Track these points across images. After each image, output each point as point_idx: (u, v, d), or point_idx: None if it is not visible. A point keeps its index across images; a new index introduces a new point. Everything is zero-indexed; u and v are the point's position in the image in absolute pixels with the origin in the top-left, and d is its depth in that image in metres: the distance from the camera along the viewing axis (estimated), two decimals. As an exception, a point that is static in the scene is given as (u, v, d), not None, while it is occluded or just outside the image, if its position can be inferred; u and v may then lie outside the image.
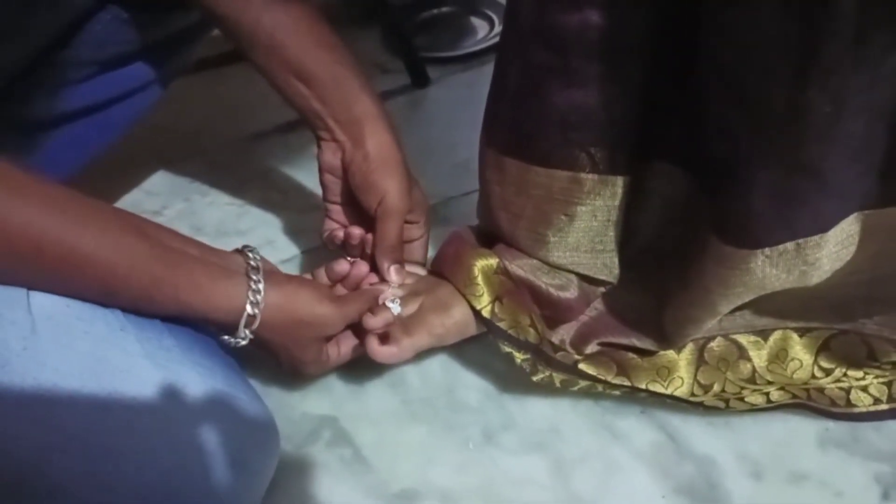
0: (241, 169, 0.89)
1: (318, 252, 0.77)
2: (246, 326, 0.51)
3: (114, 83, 0.67)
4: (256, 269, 0.52)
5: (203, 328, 0.54)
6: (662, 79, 0.49)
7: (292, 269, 0.76)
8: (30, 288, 0.46)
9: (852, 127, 0.42)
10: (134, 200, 0.86)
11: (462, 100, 0.97)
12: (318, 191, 0.82)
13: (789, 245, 0.47)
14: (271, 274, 0.54)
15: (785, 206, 0.45)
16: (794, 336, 0.60)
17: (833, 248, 0.48)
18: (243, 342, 0.52)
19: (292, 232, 0.80)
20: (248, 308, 0.51)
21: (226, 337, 0.53)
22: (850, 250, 0.49)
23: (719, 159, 0.47)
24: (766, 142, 0.43)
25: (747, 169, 0.45)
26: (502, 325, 0.57)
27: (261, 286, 0.51)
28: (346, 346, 0.59)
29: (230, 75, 1.00)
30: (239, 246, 0.56)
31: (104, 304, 0.48)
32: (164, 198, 0.86)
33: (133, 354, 0.47)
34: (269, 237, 0.80)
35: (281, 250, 0.78)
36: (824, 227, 0.47)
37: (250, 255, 0.54)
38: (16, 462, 0.43)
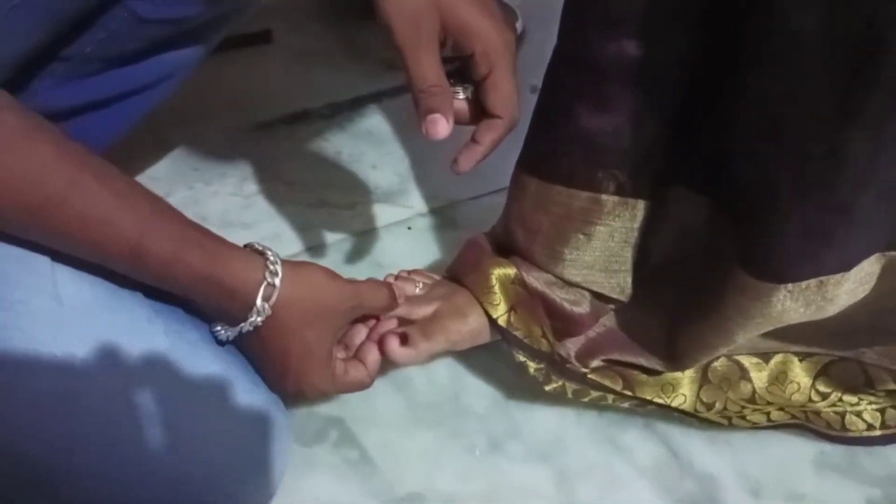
0: (245, 159, 0.88)
1: (326, 249, 0.77)
2: (265, 300, 0.48)
3: (125, 79, 0.65)
4: (269, 252, 0.51)
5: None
6: (693, 107, 0.50)
7: (298, 265, 0.76)
8: (61, 251, 0.45)
9: (887, 172, 0.44)
10: (135, 185, 0.85)
11: (469, 101, 0.97)
12: (325, 185, 0.81)
13: (812, 281, 0.48)
14: (283, 260, 0.53)
15: (813, 242, 0.47)
16: (795, 360, 0.62)
17: (851, 286, 0.50)
18: (259, 319, 0.49)
19: (299, 227, 0.80)
20: (268, 277, 0.48)
21: (226, 329, 0.51)
22: (867, 288, 0.51)
23: (749, 192, 0.48)
24: (801, 180, 0.45)
25: (779, 205, 0.46)
26: (518, 334, 0.57)
27: (278, 265, 0.49)
28: (353, 369, 0.56)
29: (234, 61, 0.99)
30: (241, 239, 0.53)
31: (132, 271, 0.47)
32: (166, 185, 0.85)
33: (159, 347, 0.47)
34: (274, 231, 0.80)
35: (287, 245, 0.77)
36: (847, 266, 0.48)
37: (258, 244, 0.52)
38: (39, 453, 0.43)
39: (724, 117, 0.49)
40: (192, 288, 0.48)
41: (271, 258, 0.50)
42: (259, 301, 0.48)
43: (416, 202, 0.83)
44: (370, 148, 0.89)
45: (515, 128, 0.54)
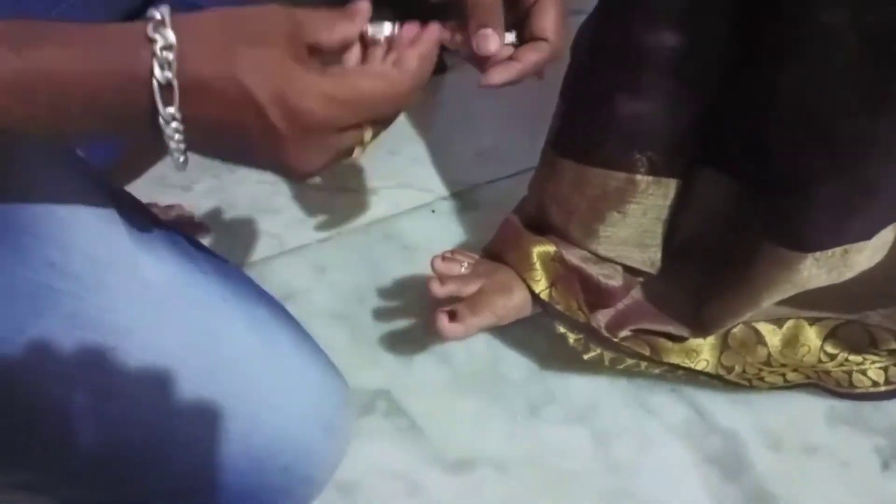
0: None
1: (352, 233, 0.80)
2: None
3: None
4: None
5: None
6: (727, 92, 0.55)
7: (329, 249, 0.79)
8: None
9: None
10: (160, 174, 0.86)
11: (479, 87, 1.01)
12: (347, 171, 0.84)
13: (837, 250, 0.53)
14: None
15: (840, 216, 0.52)
16: (806, 324, 0.67)
17: (870, 253, 0.55)
18: (169, 52, 0.37)
19: (325, 212, 0.83)
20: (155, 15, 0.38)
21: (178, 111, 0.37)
22: (881, 254, 0.57)
23: (781, 172, 0.53)
24: (832, 163, 0.50)
25: (811, 184, 0.51)
26: (559, 307, 0.62)
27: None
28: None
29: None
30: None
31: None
32: (191, 173, 0.85)
33: (238, 322, 0.50)
34: (302, 216, 0.83)
35: (316, 230, 0.81)
36: (868, 235, 0.54)
37: None
38: (138, 435, 0.46)
39: (757, 102, 0.53)
40: (98, 93, 0.37)
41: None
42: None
43: (436, 186, 0.86)
44: (386, 134, 0.92)
45: (559, 60, 0.52)
